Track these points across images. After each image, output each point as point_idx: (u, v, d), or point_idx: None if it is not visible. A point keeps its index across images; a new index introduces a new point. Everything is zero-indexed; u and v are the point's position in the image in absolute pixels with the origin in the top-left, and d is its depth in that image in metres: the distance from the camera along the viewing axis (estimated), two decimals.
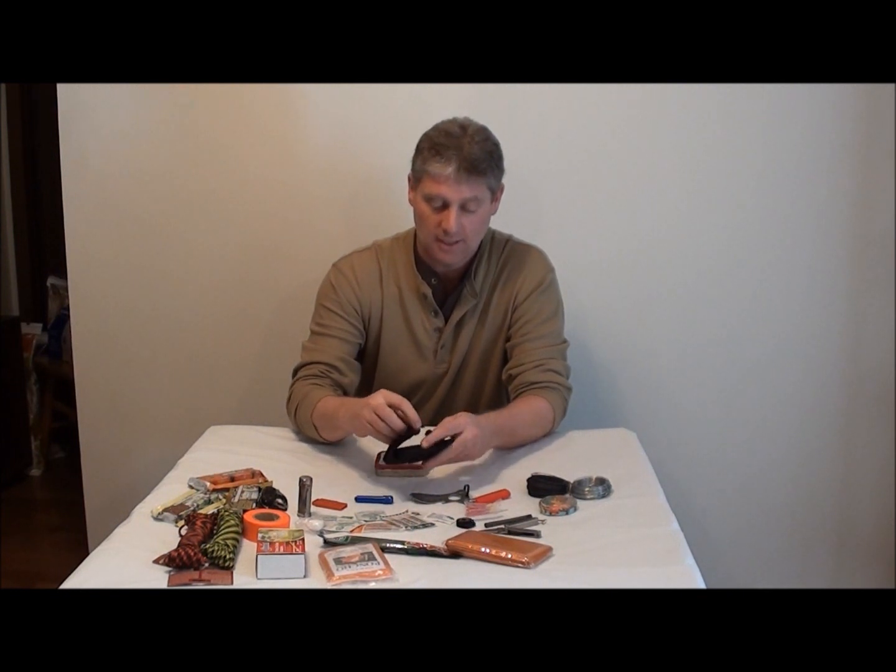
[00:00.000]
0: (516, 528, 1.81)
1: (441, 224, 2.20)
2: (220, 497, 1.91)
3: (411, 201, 2.29)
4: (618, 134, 2.70)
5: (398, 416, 2.00)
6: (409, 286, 2.36)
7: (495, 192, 2.26)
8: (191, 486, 1.96)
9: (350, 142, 2.74)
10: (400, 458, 2.01)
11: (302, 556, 1.62)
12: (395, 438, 2.01)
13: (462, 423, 2.01)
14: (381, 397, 2.02)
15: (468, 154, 2.16)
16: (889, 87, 2.60)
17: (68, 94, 2.77)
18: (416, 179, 2.25)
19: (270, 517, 1.77)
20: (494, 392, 2.40)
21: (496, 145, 2.24)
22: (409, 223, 2.36)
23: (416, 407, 2.39)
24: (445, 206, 2.20)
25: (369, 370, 2.41)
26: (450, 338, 2.36)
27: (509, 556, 1.66)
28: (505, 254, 2.36)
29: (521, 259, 2.36)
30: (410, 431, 2.01)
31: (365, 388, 2.37)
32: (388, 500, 1.96)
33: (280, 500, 1.88)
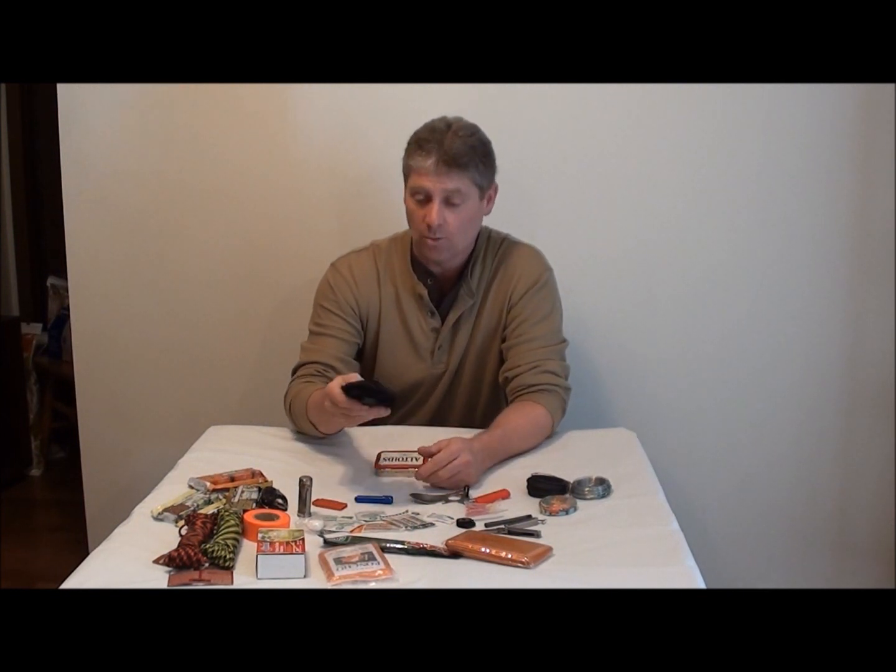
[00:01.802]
0: (516, 528, 1.80)
1: (425, 218, 2.20)
2: (220, 497, 1.91)
3: (405, 200, 2.29)
4: (617, 134, 2.70)
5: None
6: (406, 286, 2.35)
7: (484, 191, 2.25)
8: (191, 486, 1.96)
9: (348, 142, 2.74)
10: (360, 394, 1.92)
11: (302, 556, 1.62)
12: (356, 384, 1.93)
13: (455, 450, 1.98)
14: (336, 387, 1.93)
15: (448, 147, 2.17)
16: (889, 87, 2.59)
17: (68, 94, 2.77)
18: (404, 176, 2.26)
19: (270, 517, 1.77)
20: (492, 392, 2.40)
21: (483, 143, 2.23)
22: (406, 223, 2.36)
23: (415, 407, 2.39)
24: (429, 199, 2.20)
25: (367, 370, 2.40)
26: (447, 338, 2.36)
27: (509, 556, 1.66)
28: (500, 253, 2.36)
29: (515, 258, 2.35)
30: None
31: None
32: (388, 500, 1.95)
33: (280, 500, 1.88)
